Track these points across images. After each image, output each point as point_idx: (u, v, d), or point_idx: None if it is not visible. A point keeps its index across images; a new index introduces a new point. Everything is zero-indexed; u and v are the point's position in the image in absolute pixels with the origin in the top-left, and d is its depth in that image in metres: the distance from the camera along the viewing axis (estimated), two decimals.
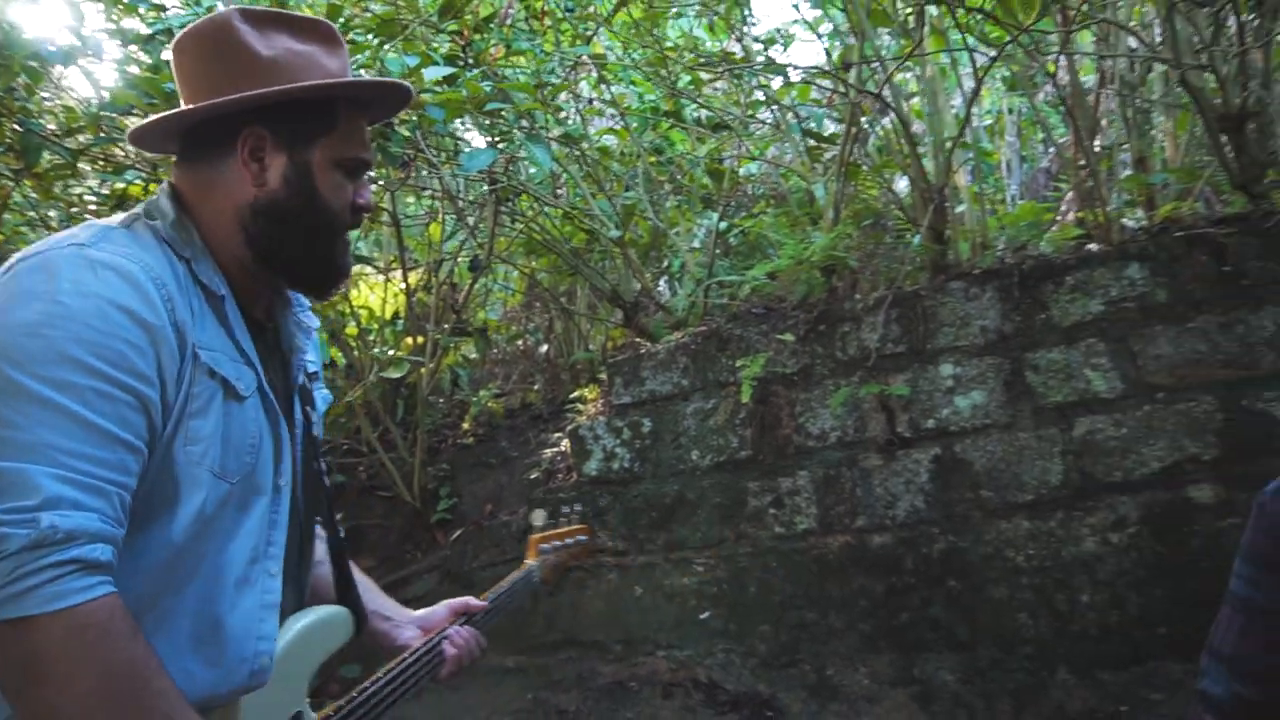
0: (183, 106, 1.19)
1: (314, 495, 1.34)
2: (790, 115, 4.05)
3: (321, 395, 1.48)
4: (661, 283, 5.31)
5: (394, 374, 3.59)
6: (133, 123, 3.25)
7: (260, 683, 1.14)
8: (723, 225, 5.12)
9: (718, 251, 4.97)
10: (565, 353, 5.23)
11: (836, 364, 3.19)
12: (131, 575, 1.00)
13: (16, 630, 0.88)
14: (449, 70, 2.71)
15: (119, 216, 1.14)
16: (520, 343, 5.88)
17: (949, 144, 3.30)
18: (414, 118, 3.23)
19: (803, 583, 3.09)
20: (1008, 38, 3.02)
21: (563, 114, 4.68)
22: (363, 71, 2.95)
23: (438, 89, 3.03)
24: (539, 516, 2.14)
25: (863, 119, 3.41)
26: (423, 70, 2.70)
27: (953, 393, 3.01)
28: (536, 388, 5.10)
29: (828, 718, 2.87)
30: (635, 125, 4.42)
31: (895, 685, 2.88)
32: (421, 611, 1.64)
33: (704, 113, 4.73)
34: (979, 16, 3.23)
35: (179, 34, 1.22)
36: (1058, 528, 2.83)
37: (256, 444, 1.14)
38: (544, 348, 5.76)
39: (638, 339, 4.00)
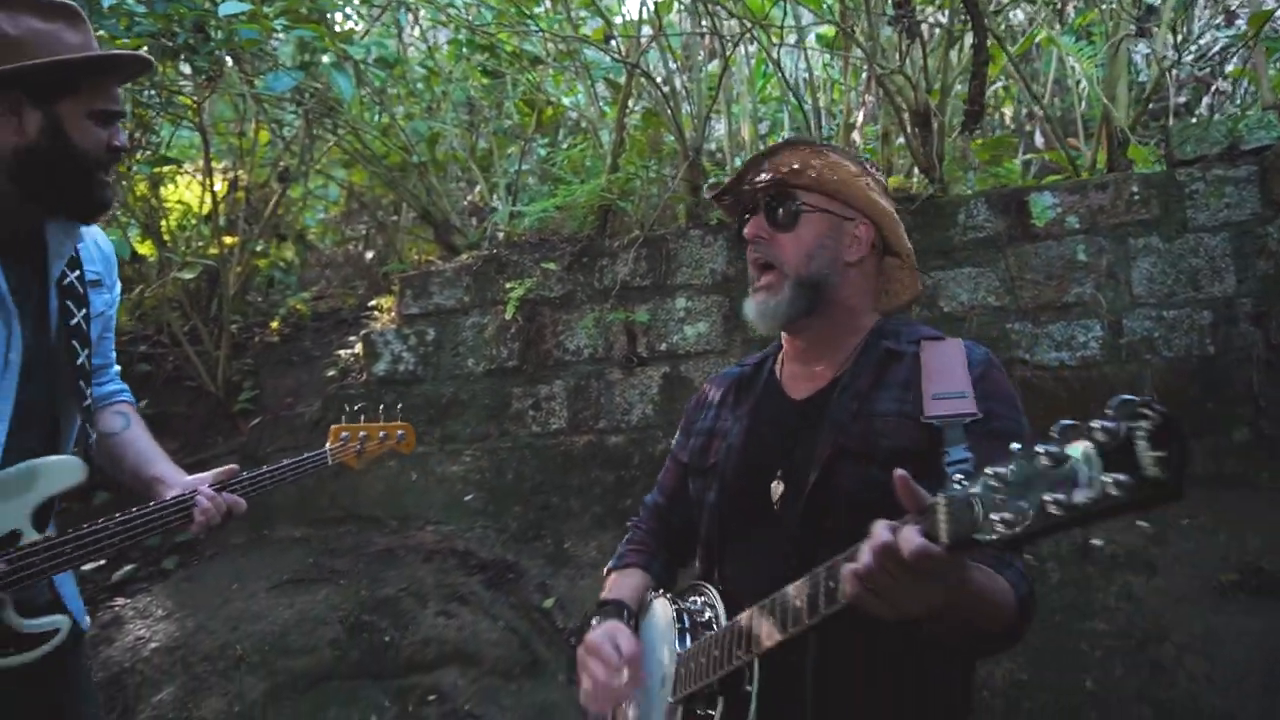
0: None
1: (66, 371, 1.74)
2: (590, 64, 4.48)
3: (103, 299, 1.87)
4: (496, 200, 5.70)
5: (186, 275, 3.86)
6: None
7: None
8: (542, 153, 5.55)
9: (537, 176, 5.39)
10: (388, 261, 5.56)
11: (594, 292, 3.75)
12: None
13: None
14: (247, 6, 2.98)
15: None
16: (349, 248, 6.15)
17: (705, 110, 3.85)
18: (224, 35, 3.47)
19: (551, 473, 3.70)
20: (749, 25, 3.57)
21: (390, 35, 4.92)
22: None
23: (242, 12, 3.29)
24: None
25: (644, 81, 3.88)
26: (219, 5, 2.96)
27: (683, 322, 3.64)
28: (361, 292, 5.42)
29: (558, 579, 3.52)
30: (446, 54, 4.72)
31: None
32: (195, 476, 1.93)
33: (526, 45, 5.08)
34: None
35: None
36: None
37: None
38: (369, 255, 6.06)
39: (436, 258, 4.42)
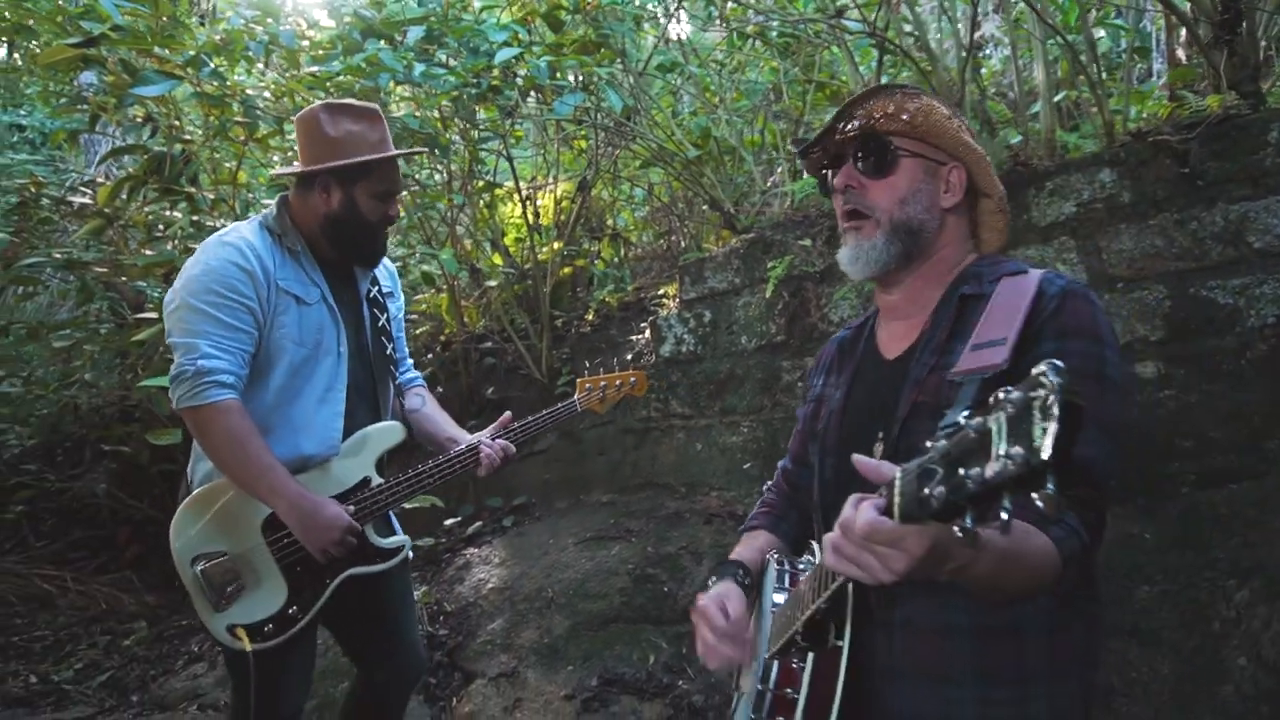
0: (295, 167, 2.29)
1: (380, 359, 2.35)
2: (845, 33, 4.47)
3: (394, 306, 2.47)
4: (778, 181, 5.91)
5: (492, 283, 4.58)
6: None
7: (334, 453, 2.22)
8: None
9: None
10: (689, 251, 6.00)
11: None
12: (265, 391, 2.13)
13: (194, 411, 2.06)
14: (516, 51, 3.53)
15: (252, 217, 2.27)
16: (661, 242, 6.73)
17: (963, 63, 3.69)
18: (521, 75, 4.09)
19: None
20: None
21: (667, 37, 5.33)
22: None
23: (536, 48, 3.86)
24: None
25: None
26: (496, 53, 3.53)
27: None
28: (674, 280, 5.91)
29: None
30: (721, 43, 4.99)
31: None
32: (478, 434, 2.50)
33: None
34: None
35: (296, 116, 2.28)
36: None
37: (321, 327, 2.22)
38: (682, 244, 6.57)
39: (716, 244, 4.72)
